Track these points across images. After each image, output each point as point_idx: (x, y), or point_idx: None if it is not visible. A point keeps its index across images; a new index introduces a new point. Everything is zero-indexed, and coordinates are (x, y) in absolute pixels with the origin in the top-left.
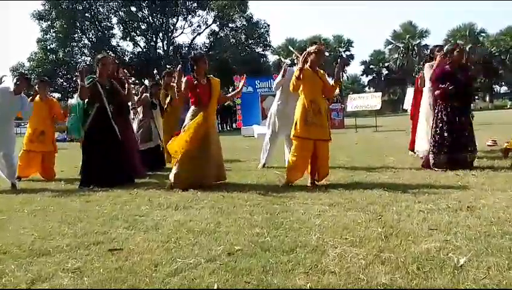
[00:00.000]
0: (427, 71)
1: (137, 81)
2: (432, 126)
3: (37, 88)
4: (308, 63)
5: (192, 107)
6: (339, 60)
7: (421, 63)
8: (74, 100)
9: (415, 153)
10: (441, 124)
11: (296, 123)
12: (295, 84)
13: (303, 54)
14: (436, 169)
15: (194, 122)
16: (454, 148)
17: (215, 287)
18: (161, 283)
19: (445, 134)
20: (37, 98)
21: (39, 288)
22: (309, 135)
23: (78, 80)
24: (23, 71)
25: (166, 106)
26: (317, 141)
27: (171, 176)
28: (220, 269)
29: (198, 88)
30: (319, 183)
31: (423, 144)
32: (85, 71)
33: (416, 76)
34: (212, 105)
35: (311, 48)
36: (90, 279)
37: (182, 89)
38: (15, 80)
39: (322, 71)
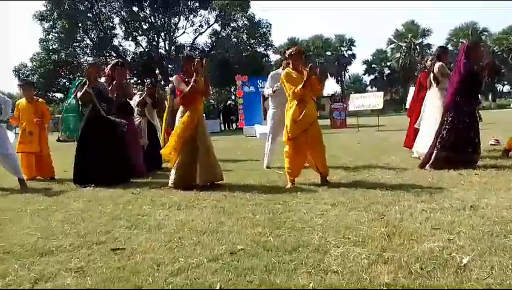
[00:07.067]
0: (438, 71)
1: (139, 81)
2: (444, 122)
3: (22, 91)
4: (291, 66)
5: (181, 108)
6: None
7: (423, 62)
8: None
9: (414, 152)
10: (453, 122)
11: (286, 128)
12: (298, 93)
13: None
14: (432, 168)
15: (181, 124)
16: (457, 147)
17: (218, 287)
18: (164, 283)
19: (456, 132)
20: (24, 100)
21: (42, 288)
22: (299, 131)
23: (85, 87)
24: (25, 72)
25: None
26: (307, 131)
27: (170, 180)
28: (222, 269)
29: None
30: (323, 180)
31: (424, 145)
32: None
33: (419, 74)
34: (200, 102)
35: (290, 51)
36: (93, 278)
37: (181, 88)
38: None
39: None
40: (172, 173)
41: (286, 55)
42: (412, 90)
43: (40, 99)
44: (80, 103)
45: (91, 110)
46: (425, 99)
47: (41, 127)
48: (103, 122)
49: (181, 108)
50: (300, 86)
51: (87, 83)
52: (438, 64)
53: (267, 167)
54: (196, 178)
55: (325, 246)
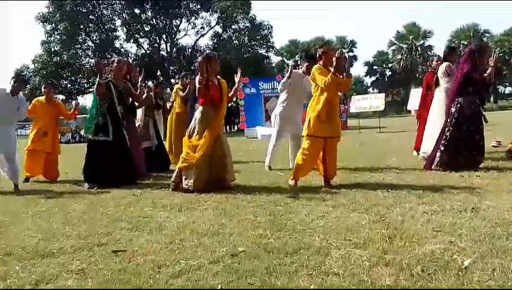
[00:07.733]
0: (444, 71)
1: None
2: (447, 124)
3: (43, 90)
4: (321, 63)
5: (201, 108)
6: (344, 55)
7: (427, 63)
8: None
9: (419, 154)
10: (456, 124)
11: (309, 122)
12: (329, 81)
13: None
14: (438, 169)
15: (210, 129)
16: (461, 149)
17: (219, 288)
18: (165, 284)
19: (459, 134)
20: (43, 99)
21: (43, 289)
22: (321, 133)
23: (97, 78)
24: (27, 73)
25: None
26: (328, 139)
27: (187, 182)
28: (223, 271)
29: (210, 88)
30: (331, 183)
31: (429, 145)
32: (103, 66)
33: (425, 75)
34: (223, 106)
35: (323, 49)
36: (94, 280)
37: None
38: (12, 82)
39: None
40: (191, 173)
41: (318, 54)
42: (413, 91)
43: (58, 101)
44: (97, 100)
45: (108, 109)
46: (433, 101)
47: (56, 129)
48: (117, 125)
49: (200, 108)
50: (330, 73)
51: (100, 76)
52: (444, 64)
53: (268, 167)
54: (225, 181)
55: (326, 248)
